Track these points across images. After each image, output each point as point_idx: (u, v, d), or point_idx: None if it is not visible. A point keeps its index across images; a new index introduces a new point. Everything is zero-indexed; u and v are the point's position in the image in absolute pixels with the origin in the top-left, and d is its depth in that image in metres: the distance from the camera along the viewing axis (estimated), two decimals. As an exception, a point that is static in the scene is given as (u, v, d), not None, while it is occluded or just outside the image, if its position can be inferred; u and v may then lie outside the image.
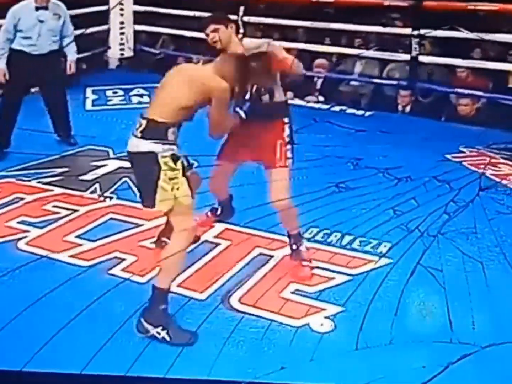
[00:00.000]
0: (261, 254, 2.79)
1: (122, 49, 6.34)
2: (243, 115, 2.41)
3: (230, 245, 2.85)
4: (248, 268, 2.67)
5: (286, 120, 2.53)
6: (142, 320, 2.22)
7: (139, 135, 2.20)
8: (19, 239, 2.91)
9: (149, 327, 2.19)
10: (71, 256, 2.79)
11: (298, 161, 2.54)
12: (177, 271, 2.27)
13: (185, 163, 2.26)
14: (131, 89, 5.63)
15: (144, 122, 2.20)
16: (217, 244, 2.88)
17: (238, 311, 2.39)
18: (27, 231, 2.99)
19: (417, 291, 2.36)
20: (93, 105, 5.23)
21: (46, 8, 3.82)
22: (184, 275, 2.60)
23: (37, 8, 3.80)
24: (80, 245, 2.88)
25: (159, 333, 2.16)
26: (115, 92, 5.55)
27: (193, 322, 2.27)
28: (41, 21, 3.80)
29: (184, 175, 2.20)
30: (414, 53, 4.86)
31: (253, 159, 2.59)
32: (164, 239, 2.68)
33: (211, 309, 2.36)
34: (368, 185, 3.09)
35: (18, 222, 3.08)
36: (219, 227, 3.02)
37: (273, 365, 2.04)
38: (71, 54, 4.08)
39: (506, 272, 2.48)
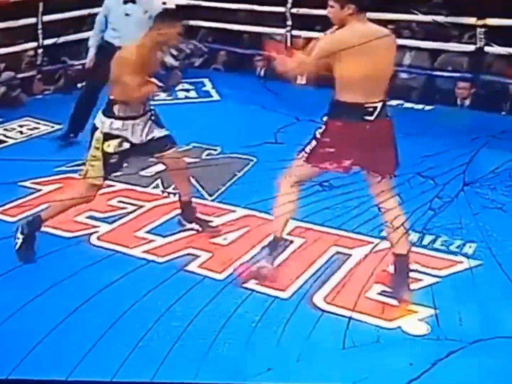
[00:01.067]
0: (338, 252, 2.82)
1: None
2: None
3: (305, 243, 2.88)
4: (327, 267, 2.69)
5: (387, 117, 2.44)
6: None
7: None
8: (91, 234, 2.99)
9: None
10: (145, 251, 2.85)
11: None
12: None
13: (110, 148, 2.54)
14: (176, 84, 5.71)
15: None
16: (291, 242, 2.90)
17: (323, 310, 2.41)
18: (97, 226, 3.07)
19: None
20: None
21: (133, 2, 3.93)
22: (266, 271, 2.61)
23: (125, 2, 3.92)
24: (153, 240, 2.94)
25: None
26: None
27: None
28: (128, 15, 3.91)
29: (105, 157, 2.55)
30: (479, 43, 4.80)
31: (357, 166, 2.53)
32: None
33: (295, 308, 2.37)
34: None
35: (87, 217, 3.16)
36: (290, 224, 2.98)
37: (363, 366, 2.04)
38: None
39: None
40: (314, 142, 2.48)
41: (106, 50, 3.88)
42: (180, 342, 2.08)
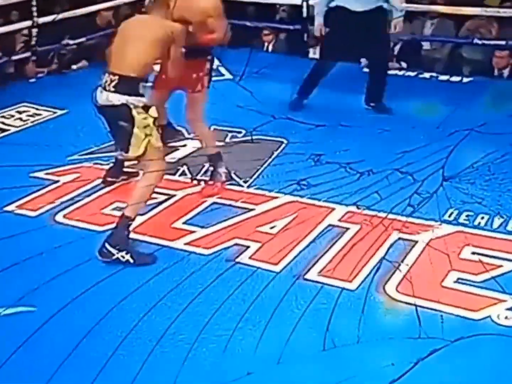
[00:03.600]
0: (401, 239, 2.80)
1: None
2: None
3: (362, 229, 2.87)
4: (393, 254, 2.68)
5: (208, 57, 3.30)
6: (107, 245, 2.65)
7: (112, 89, 2.68)
8: (123, 227, 2.94)
9: (114, 251, 2.63)
10: (187, 243, 2.82)
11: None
12: (144, 204, 2.80)
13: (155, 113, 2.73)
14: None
15: (115, 78, 2.68)
16: (346, 229, 2.90)
17: (397, 301, 2.41)
18: (129, 219, 3.02)
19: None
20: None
21: None
22: (324, 262, 2.65)
23: None
24: (193, 232, 2.91)
25: (123, 257, 2.63)
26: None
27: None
28: None
29: (154, 123, 2.71)
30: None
31: (179, 87, 3.25)
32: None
33: (364, 299, 2.39)
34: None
35: (113, 209, 3.11)
36: (340, 210, 3.03)
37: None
38: (396, 11, 4.18)
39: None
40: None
41: (337, 15, 4.09)
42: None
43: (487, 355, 2.15)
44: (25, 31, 4.97)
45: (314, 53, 6.56)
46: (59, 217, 3.03)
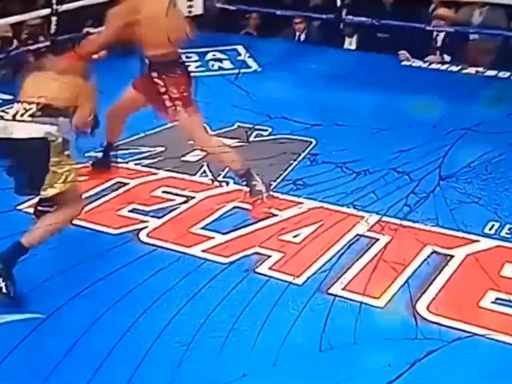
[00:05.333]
0: (435, 252, 2.78)
1: (190, 6, 6.37)
2: None
3: (392, 241, 2.85)
4: (425, 270, 2.67)
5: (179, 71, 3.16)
6: None
7: (28, 119, 2.52)
8: (139, 230, 3.00)
9: None
10: (204, 251, 2.85)
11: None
12: (45, 239, 2.62)
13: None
14: (206, 53, 5.67)
15: (33, 106, 2.55)
16: (376, 240, 2.89)
17: (430, 321, 2.39)
18: (145, 221, 3.07)
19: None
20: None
21: None
22: (350, 275, 2.65)
23: None
24: (211, 238, 2.94)
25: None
26: (189, 57, 5.59)
27: (375, 334, 2.29)
28: None
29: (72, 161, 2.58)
30: None
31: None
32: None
33: (392, 318, 2.38)
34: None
35: (130, 211, 3.16)
36: (370, 219, 3.01)
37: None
38: None
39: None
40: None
41: None
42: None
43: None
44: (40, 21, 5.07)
45: (350, 43, 6.54)
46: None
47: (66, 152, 2.56)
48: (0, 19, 4.80)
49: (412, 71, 5.11)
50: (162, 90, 3.11)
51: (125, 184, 3.42)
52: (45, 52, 5.09)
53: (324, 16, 6.32)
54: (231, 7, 6.53)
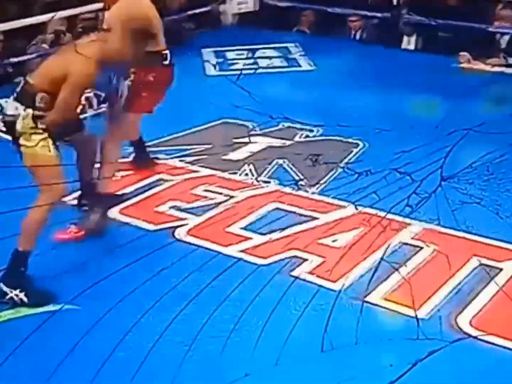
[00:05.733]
0: (482, 264, 2.72)
1: (240, 3, 6.42)
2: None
3: (438, 251, 2.80)
4: (470, 282, 2.63)
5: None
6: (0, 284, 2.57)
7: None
8: (176, 227, 3.04)
9: (7, 290, 2.55)
10: (241, 251, 2.86)
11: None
12: (38, 232, 2.61)
13: None
14: (256, 50, 5.69)
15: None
16: (420, 248, 2.86)
17: (471, 336, 2.36)
18: (183, 219, 3.11)
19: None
20: (215, 70, 5.35)
21: None
22: (389, 284, 2.61)
23: None
24: (249, 238, 2.95)
25: (17, 295, 2.54)
26: (239, 54, 5.64)
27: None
28: None
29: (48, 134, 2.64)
30: None
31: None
32: None
33: (432, 331, 2.32)
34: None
35: (171, 207, 3.21)
36: (417, 227, 2.98)
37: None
38: None
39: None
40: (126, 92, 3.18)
41: None
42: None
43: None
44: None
45: (408, 42, 6.43)
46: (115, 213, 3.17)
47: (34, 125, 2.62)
48: (54, 13, 4.99)
49: (471, 74, 4.98)
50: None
51: (167, 180, 3.48)
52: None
53: (381, 15, 6.27)
54: (285, 4, 6.54)
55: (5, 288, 2.57)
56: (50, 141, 2.63)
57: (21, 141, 2.61)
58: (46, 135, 2.62)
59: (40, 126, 2.61)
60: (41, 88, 2.63)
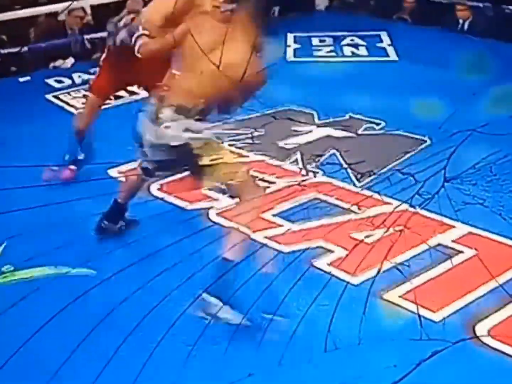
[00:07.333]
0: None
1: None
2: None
3: (477, 255, 2.85)
4: (503, 290, 2.60)
5: None
6: (209, 297, 2.53)
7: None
8: (210, 208, 3.29)
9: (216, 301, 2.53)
10: (267, 237, 3.04)
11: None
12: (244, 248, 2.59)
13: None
14: (343, 38, 5.81)
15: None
16: (459, 252, 2.92)
17: (484, 343, 2.42)
18: (216, 200, 3.35)
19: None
20: (295, 56, 5.54)
21: None
22: (416, 283, 2.68)
23: None
24: (280, 226, 3.12)
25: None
26: (323, 41, 5.79)
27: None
28: None
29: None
30: None
31: (136, 83, 3.62)
32: None
33: (447, 337, 2.38)
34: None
35: (208, 189, 3.45)
36: (461, 230, 3.03)
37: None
38: None
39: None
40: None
41: None
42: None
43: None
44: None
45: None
46: (153, 189, 3.49)
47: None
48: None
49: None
50: None
51: (213, 162, 3.74)
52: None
53: (490, 4, 6.12)
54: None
55: (214, 300, 2.58)
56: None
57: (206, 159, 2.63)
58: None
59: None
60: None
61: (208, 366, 2.40)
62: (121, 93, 4.78)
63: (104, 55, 3.71)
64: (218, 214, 3.24)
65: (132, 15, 4.22)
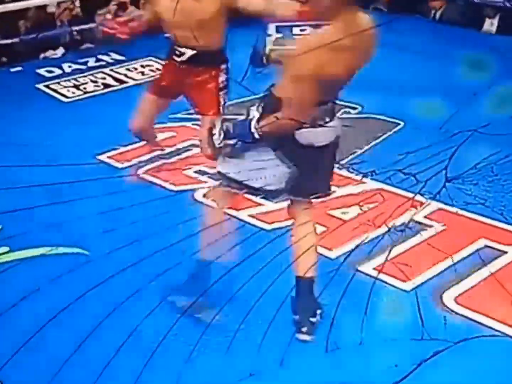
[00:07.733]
0: (487, 246, 2.96)
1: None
2: None
3: (445, 230, 3.06)
4: (468, 262, 2.86)
5: (222, 66, 3.37)
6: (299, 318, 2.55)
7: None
8: (196, 189, 3.46)
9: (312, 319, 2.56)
10: (251, 215, 3.24)
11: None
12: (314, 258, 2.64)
13: None
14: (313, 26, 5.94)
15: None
16: (429, 226, 3.11)
17: (450, 310, 2.62)
18: (204, 182, 3.53)
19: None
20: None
21: None
22: (384, 256, 2.81)
23: None
24: (262, 205, 3.32)
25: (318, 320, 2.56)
26: (303, 30, 5.93)
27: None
28: None
29: None
30: None
31: (185, 96, 3.51)
32: None
33: (415, 302, 2.51)
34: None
35: (196, 172, 3.65)
36: (432, 206, 3.17)
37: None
38: None
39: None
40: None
41: None
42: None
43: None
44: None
45: (491, 24, 6.41)
46: (141, 172, 3.66)
47: None
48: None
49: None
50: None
51: (197, 146, 3.84)
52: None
53: (461, -7, 6.33)
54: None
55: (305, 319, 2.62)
56: None
57: None
58: None
59: None
60: None
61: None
62: (110, 81, 5.00)
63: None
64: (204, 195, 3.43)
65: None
